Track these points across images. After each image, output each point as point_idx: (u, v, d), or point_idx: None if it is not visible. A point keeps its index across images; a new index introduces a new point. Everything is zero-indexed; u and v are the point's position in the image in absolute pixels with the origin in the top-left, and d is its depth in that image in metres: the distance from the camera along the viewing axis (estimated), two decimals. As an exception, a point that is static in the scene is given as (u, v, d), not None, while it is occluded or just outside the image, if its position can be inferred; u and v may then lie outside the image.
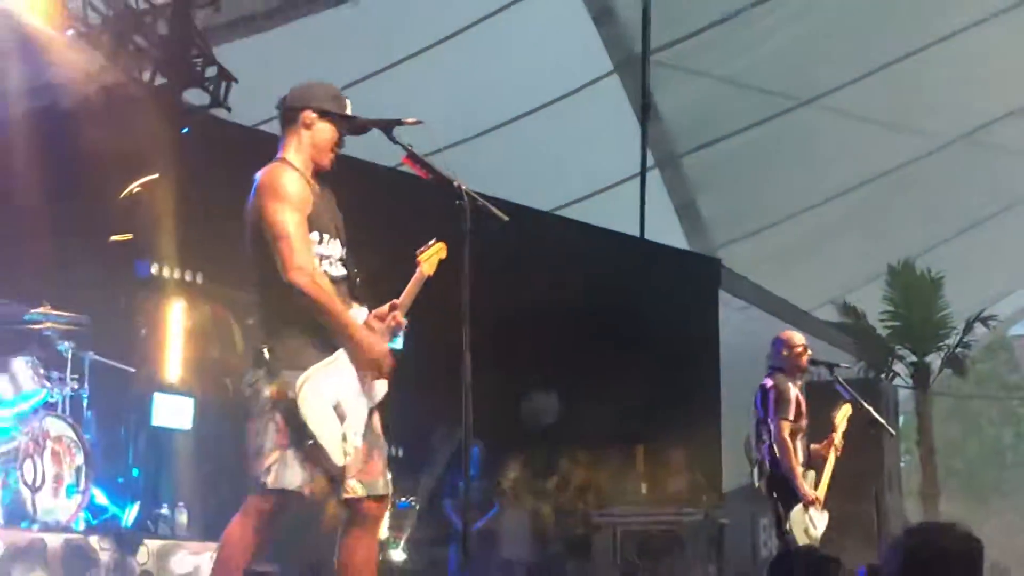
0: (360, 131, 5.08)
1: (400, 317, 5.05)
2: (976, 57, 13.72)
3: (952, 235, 16.53)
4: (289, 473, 4.72)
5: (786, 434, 8.34)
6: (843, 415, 8.80)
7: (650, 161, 12.92)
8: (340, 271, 5.00)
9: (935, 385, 15.02)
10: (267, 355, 4.80)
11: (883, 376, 13.79)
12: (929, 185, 15.61)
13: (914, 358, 14.34)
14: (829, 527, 8.56)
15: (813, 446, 8.64)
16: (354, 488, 4.86)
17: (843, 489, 10.11)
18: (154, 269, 9.64)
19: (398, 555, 10.12)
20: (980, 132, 15.10)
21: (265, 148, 5.24)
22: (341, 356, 4.87)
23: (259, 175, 4.91)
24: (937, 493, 14.02)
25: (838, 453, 8.64)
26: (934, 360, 14.43)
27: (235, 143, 10.50)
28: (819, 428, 9.14)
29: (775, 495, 8.49)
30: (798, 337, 8.93)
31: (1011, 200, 16.75)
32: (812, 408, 9.01)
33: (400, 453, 8.18)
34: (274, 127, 5.25)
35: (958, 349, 14.52)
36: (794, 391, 8.55)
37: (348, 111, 5.06)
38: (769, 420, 8.43)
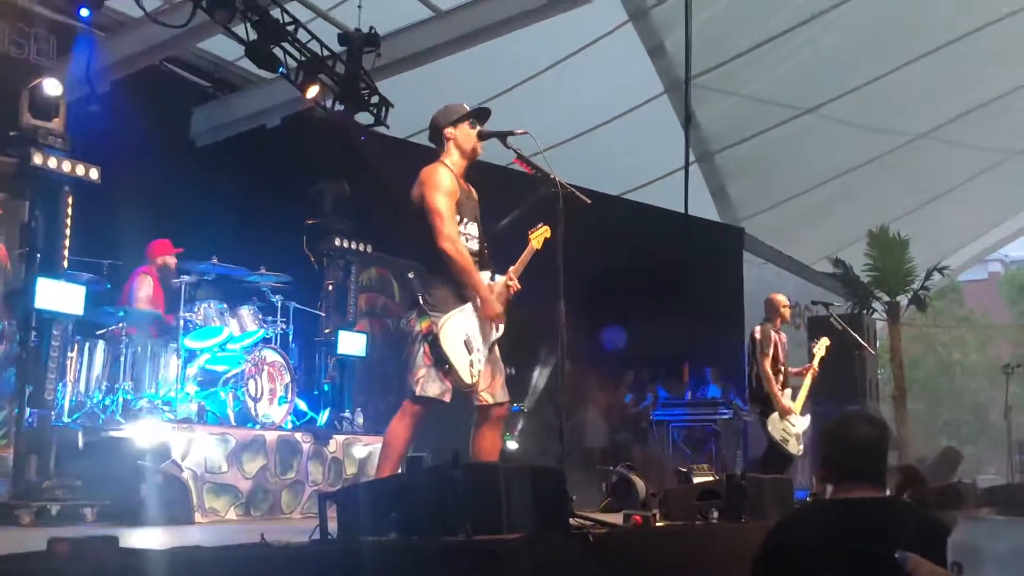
0: (483, 139, 5.09)
1: (515, 281, 5.07)
2: (931, 76, 13.40)
3: (915, 207, 16.23)
4: (431, 385, 4.80)
5: (767, 366, 8.30)
6: (821, 345, 8.79)
7: (692, 157, 12.72)
8: (475, 245, 5.03)
9: (903, 318, 14.66)
10: (421, 301, 4.85)
11: (865, 312, 13.46)
12: (897, 171, 15.34)
13: (887, 298, 13.97)
14: (822, 418, 8.53)
15: (791, 370, 8.60)
16: (485, 398, 4.94)
17: (838, 393, 9.95)
18: (336, 241, 9.67)
19: (512, 445, 10.09)
20: (934, 132, 14.77)
21: (413, 154, 5.27)
22: (470, 305, 4.89)
23: (423, 170, 4.98)
24: (904, 396, 13.69)
25: (815, 375, 8.59)
26: (902, 300, 14.07)
27: (390, 151, 10.51)
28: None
29: (757, 409, 8.48)
30: (783, 297, 8.81)
31: (957, 182, 16.41)
32: (812, 335, 8.94)
33: (513, 372, 8.14)
34: (419, 139, 5.28)
35: (920, 291, 14.12)
36: (774, 336, 8.47)
37: (468, 108, 5.09)
38: (757, 356, 8.39)
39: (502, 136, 5.03)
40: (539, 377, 10.88)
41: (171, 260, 8.38)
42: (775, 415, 8.31)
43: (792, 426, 8.32)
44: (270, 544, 3.15)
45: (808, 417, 8.51)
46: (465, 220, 5.01)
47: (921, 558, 2.26)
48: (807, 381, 8.58)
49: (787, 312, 8.75)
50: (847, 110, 13.72)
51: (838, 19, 12.36)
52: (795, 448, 8.33)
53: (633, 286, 12.19)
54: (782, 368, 8.50)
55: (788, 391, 8.49)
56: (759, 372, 8.40)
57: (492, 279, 5.06)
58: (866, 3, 12.27)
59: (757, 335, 8.48)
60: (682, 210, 11.98)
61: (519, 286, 5.07)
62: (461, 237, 4.93)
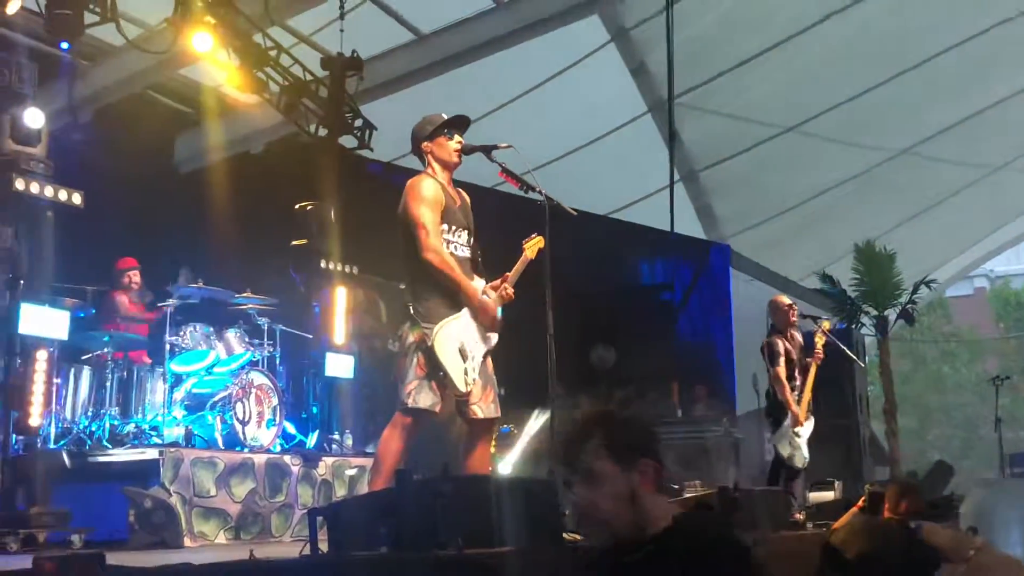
0: (468, 153, 5.11)
1: (510, 289, 5.07)
2: (912, 92, 13.51)
3: (901, 222, 16.31)
4: (423, 396, 4.80)
5: (783, 376, 8.18)
6: (820, 335, 8.52)
7: (676, 176, 12.76)
8: (465, 253, 5.05)
9: (892, 333, 14.68)
10: (412, 312, 4.86)
11: (853, 326, 13.48)
12: (882, 186, 15.40)
13: (876, 313, 13.99)
14: (814, 433, 8.37)
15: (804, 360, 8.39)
16: (476, 411, 4.94)
17: (829, 407, 9.89)
18: (322, 263, 9.66)
19: (504, 468, 9.98)
20: (917, 147, 14.84)
21: (397, 177, 5.28)
22: (465, 312, 4.90)
23: (408, 183, 5.01)
24: (894, 411, 13.68)
25: (818, 363, 8.33)
26: (890, 314, 14.09)
27: (375, 173, 10.51)
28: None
29: (770, 417, 8.38)
30: (786, 298, 8.71)
31: (942, 196, 16.45)
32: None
33: (503, 391, 8.15)
34: (403, 162, 5.30)
35: (908, 306, 14.14)
36: (784, 345, 8.31)
37: (445, 117, 5.10)
38: (768, 367, 8.30)
39: (487, 150, 5.05)
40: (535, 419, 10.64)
41: (133, 275, 8.44)
42: (785, 425, 8.16)
43: (798, 437, 8.18)
44: (259, 560, 3.12)
45: (812, 420, 8.36)
46: (454, 228, 5.01)
47: (935, 525, 2.26)
48: (811, 373, 8.28)
49: (792, 313, 8.47)
50: (830, 127, 13.78)
51: (819, 36, 12.44)
52: (801, 461, 8.18)
53: (620, 303, 12.20)
54: (796, 377, 8.28)
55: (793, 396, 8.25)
56: (772, 384, 8.24)
57: (484, 287, 5.04)
58: (847, 20, 12.35)
59: (766, 347, 8.27)
60: (668, 228, 12.03)
61: (512, 294, 5.05)
62: (449, 245, 4.94)
